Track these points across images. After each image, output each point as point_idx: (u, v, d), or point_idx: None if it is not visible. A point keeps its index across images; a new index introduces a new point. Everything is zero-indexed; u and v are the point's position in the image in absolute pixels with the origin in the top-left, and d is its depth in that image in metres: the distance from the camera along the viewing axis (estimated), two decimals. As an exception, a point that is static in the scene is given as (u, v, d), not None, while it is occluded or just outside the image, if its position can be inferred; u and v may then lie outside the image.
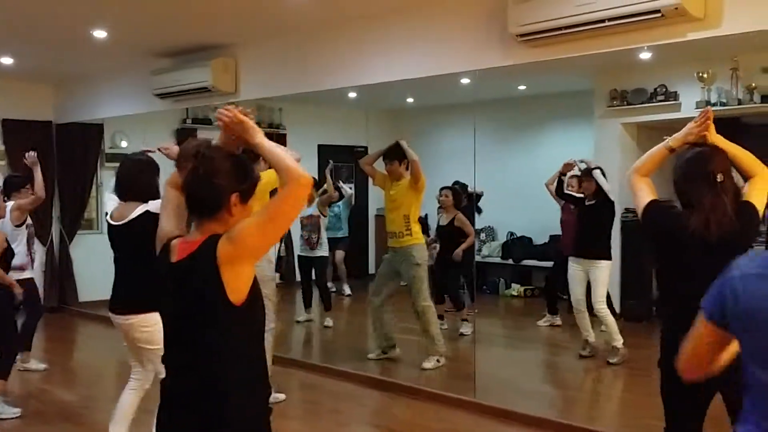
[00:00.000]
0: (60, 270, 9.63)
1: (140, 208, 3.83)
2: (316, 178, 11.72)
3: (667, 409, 3.04)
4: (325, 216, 8.61)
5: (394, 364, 6.67)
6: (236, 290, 2.10)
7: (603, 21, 4.35)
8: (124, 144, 9.88)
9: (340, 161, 12.20)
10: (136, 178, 3.94)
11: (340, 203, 10.55)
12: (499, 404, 5.44)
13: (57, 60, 7.90)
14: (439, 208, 8.38)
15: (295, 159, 5.41)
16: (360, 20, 5.93)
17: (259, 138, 2.23)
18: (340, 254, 10.55)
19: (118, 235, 3.95)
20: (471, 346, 7.85)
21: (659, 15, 4.12)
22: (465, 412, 5.42)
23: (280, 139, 11.42)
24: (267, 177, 5.52)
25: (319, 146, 12.00)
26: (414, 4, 5.52)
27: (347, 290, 10.62)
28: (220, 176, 2.16)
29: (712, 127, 2.95)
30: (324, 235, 8.60)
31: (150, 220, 3.31)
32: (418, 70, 5.63)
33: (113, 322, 4.03)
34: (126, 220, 3.87)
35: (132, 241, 3.83)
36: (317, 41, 6.35)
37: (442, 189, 8.08)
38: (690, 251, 2.86)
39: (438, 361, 6.50)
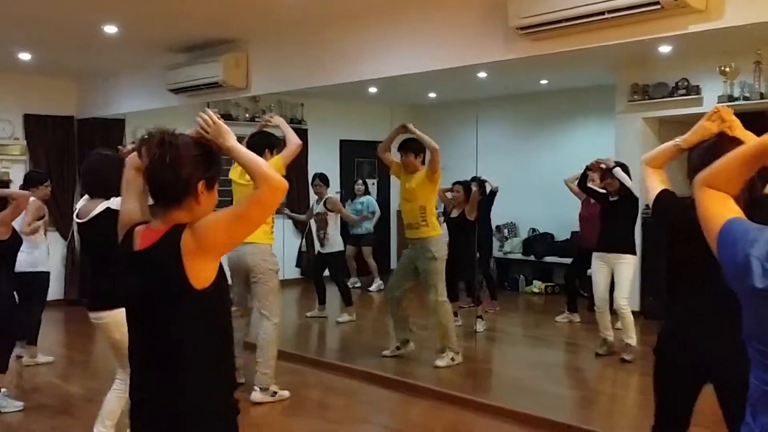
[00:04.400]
0: (81, 264, 9.73)
1: (102, 205, 3.79)
2: (339, 173, 11.77)
3: (658, 396, 3.05)
4: (334, 212, 8.57)
5: (406, 362, 6.60)
6: (199, 279, 2.08)
7: (603, 13, 4.22)
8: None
9: (362, 157, 12.18)
10: (102, 173, 3.87)
11: (363, 199, 10.55)
12: (507, 404, 5.34)
13: (74, 55, 7.96)
14: None
15: (297, 145, 5.34)
16: (365, 14, 5.86)
17: (232, 141, 2.20)
18: (366, 250, 10.55)
19: (82, 232, 3.93)
20: (485, 343, 7.78)
21: (659, 7, 3.99)
22: (472, 413, 5.34)
23: (302, 135, 11.37)
24: (273, 165, 5.46)
25: (342, 141, 11.99)
26: (416, -3, 5.44)
27: (374, 286, 10.58)
28: (186, 164, 2.12)
29: (737, 123, 2.81)
30: (333, 232, 8.58)
31: (111, 217, 3.13)
32: (419, 65, 5.55)
33: (93, 322, 4.01)
34: (88, 218, 3.84)
35: (95, 238, 3.80)
36: (324, 36, 6.31)
37: (454, 184, 7.99)
38: (696, 241, 2.77)
39: (452, 359, 6.38)
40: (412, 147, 6.42)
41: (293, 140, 5.37)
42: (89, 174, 3.99)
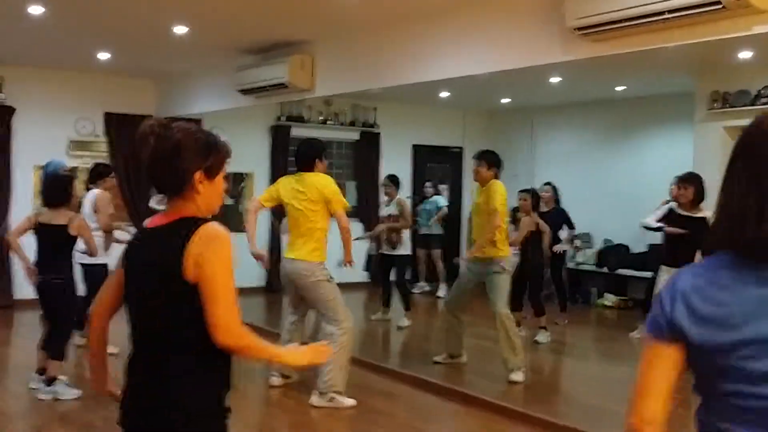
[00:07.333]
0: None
1: None
2: (411, 177, 11.72)
3: None
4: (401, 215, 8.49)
5: (462, 371, 6.49)
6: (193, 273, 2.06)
7: (663, 13, 4.04)
8: (222, 139, 10.13)
9: (434, 162, 12.10)
10: None
11: (433, 199, 10.47)
12: (561, 420, 5.15)
13: (149, 55, 8.19)
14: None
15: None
16: (425, 16, 5.81)
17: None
18: (436, 253, 10.43)
19: None
20: (548, 356, 7.57)
21: (720, 6, 3.78)
22: (526, 427, 5.15)
23: (374, 139, 11.44)
24: (328, 186, 5.48)
25: (414, 146, 11.93)
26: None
27: (441, 291, 10.39)
28: (181, 155, 2.10)
29: None
30: (405, 235, 8.49)
31: None
32: (477, 67, 5.46)
33: None
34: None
35: None
36: (386, 38, 6.29)
37: (520, 192, 7.78)
38: None
39: (524, 373, 6.12)
40: (485, 156, 6.23)
41: None
42: None
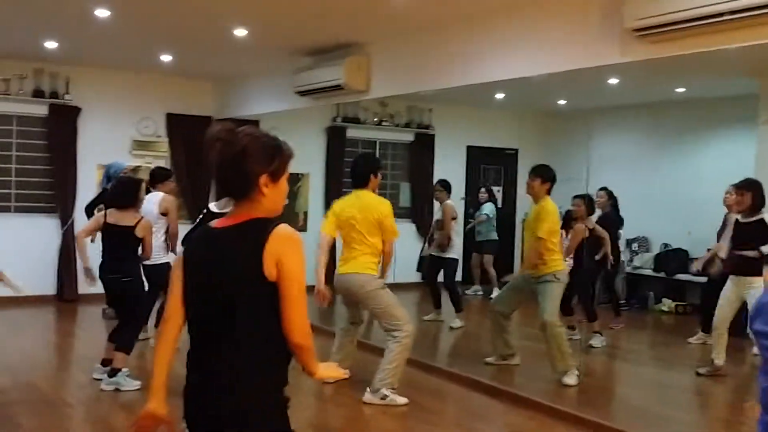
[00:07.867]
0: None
1: None
2: (465, 179, 11.73)
3: None
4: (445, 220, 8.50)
5: (513, 372, 6.50)
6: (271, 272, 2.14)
7: (722, 14, 3.99)
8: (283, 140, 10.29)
9: (489, 164, 12.08)
10: None
11: (486, 206, 10.45)
12: (612, 423, 5.11)
13: (210, 58, 8.38)
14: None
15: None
16: (481, 18, 5.84)
17: None
18: (488, 258, 10.44)
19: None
20: (601, 360, 7.50)
21: (783, 7, 3.72)
22: (573, 428, 5.14)
23: (429, 140, 11.47)
24: (384, 211, 5.54)
25: (468, 147, 11.92)
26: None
27: (494, 294, 10.32)
28: (246, 160, 2.15)
29: None
30: (455, 239, 8.52)
31: None
32: (533, 68, 5.45)
33: None
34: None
35: None
36: (441, 39, 6.32)
37: (574, 197, 7.73)
38: None
39: (578, 376, 6.10)
40: (540, 171, 6.20)
41: None
42: None
